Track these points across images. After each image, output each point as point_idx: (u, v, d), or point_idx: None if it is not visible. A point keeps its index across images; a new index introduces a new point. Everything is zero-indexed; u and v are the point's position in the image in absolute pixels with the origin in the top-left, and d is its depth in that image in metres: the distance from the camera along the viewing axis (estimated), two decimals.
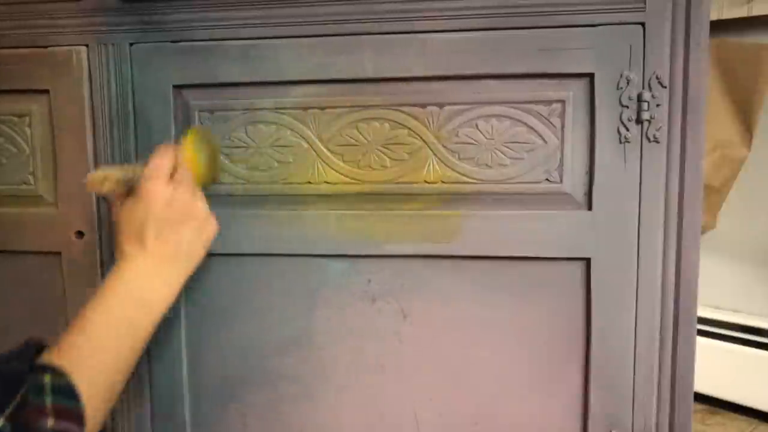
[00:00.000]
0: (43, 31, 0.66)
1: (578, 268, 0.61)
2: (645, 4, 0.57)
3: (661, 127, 0.58)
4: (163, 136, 0.65)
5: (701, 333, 1.43)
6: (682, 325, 0.60)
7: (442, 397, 0.65)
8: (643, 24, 0.57)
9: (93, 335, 0.53)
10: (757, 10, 1.32)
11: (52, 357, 0.50)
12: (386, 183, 0.63)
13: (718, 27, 1.34)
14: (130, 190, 0.59)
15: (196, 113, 0.65)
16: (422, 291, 0.64)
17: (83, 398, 0.48)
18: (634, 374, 0.61)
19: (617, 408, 0.61)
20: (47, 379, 0.47)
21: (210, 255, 0.66)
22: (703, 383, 1.42)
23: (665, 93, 0.58)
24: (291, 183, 0.65)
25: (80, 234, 0.67)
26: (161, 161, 0.58)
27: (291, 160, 0.64)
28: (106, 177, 0.59)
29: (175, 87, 0.65)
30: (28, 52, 0.67)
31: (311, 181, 0.64)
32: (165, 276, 0.57)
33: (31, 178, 0.69)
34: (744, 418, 1.42)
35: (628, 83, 0.58)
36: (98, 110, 0.66)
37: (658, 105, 0.58)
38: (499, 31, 0.60)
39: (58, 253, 0.68)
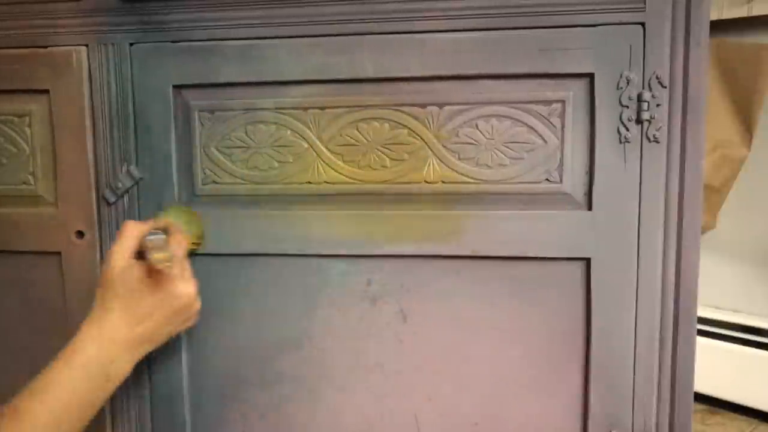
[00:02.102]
0: (43, 31, 0.66)
1: (578, 268, 0.61)
2: (645, 4, 0.57)
3: (661, 127, 0.58)
4: (163, 136, 0.65)
5: (701, 333, 1.43)
6: (682, 325, 0.60)
7: (442, 397, 0.65)
8: (643, 24, 0.57)
9: (47, 402, 0.52)
10: (757, 10, 1.32)
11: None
12: (386, 183, 0.63)
13: (718, 27, 1.34)
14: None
15: (196, 113, 0.65)
16: (422, 291, 0.64)
17: None
18: (634, 374, 0.61)
19: (617, 408, 0.61)
20: None
21: (210, 255, 0.66)
22: (703, 383, 1.42)
23: (665, 93, 0.58)
24: (291, 183, 0.65)
25: (80, 234, 0.67)
26: (183, 244, 0.60)
27: (291, 160, 0.64)
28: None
29: (175, 87, 0.65)
30: (28, 52, 0.67)
31: (311, 181, 0.64)
32: (134, 359, 0.58)
33: (31, 178, 0.69)
34: (744, 418, 1.42)
35: (628, 83, 0.58)
36: (98, 110, 0.66)
37: (658, 105, 0.58)
38: (499, 31, 0.60)
39: (58, 253, 0.68)
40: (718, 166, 1.37)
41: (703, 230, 1.41)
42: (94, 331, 0.55)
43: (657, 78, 0.58)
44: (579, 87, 0.60)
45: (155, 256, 0.56)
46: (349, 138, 0.63)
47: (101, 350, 0.55)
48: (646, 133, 0.58)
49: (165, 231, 0.61)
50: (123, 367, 0.57)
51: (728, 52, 1.34)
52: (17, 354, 0.71)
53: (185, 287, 0.58)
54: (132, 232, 0.58)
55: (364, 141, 0.63)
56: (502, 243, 0.62)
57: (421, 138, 0.62)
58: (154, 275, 0.57)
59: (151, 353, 0.67)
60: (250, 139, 0.65)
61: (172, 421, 0.68)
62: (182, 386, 0.68)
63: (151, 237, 0.58)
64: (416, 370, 0.65)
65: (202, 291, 0.67)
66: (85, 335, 0.55)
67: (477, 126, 0.61)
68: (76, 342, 0.55)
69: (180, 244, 0.60)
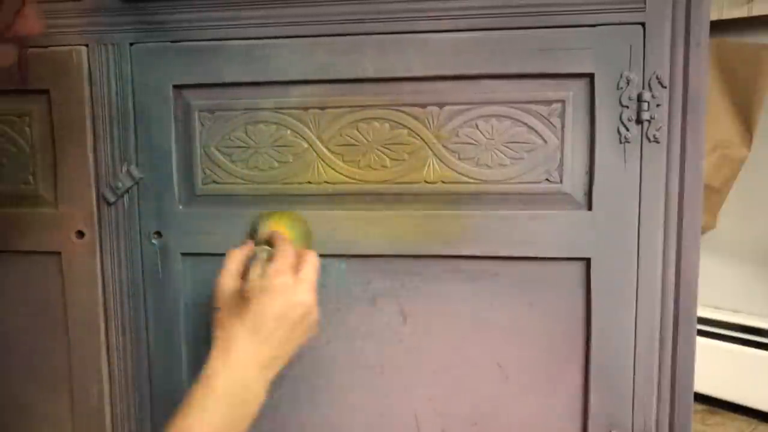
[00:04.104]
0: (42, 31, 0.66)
1: (578, 268, 0.61)
2: (645, 4, 0.57)
3: (661, 127, 0.58)
4: (163, 136, 0.65)
5: (701, 333, 1.44)
6: (682, 325, 0.60)
7: (442, 397, 0.65)
8: (643, 24, 0.57)
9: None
10: (757, 10, 1.33)
11: None
12: (386, 183, 0.63)
13: (718, 27, 1.34)
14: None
15: (197, 113, 0.65)
16: (422, 291, 0.64)
17: None
18: (634, 374, 0.61)
19: (617, 408, 0.61)
20: None
21: (210, 255, 0.66)
22: (703, 383, 1.42)
23: (665, 93, 0.58)
24: (291, 183, 0.65)
25: (80, 234, 0.67)
26: (289, 252, 0.57)
27: (291, 160, 0.64)
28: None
29: (175, 87, 0.65)
30: (28, 52, 0.67)
31: (311, 181, 0.64)
32: (267, 378, 0.55)
33: (31, 178, 0.69)
34: (744, 418, 1.42)
35: (628, 83, 0.58)
36: (98, 110, 0.66)
37: (658, 105, 0.58)
38: (499, 31, 0.60)
39: (58, 253, 0.68)
40: (718, 166, 1.37)
41: (703, 230, 1.41)
42: (221, 361, 0.54)
43: (657, 78, 0.58)
44: (579, 87, 0.60)
45: (252, 274, 0.56)
46: (349, 138, 0.63)
47: (234, 377, 0.53)
48: (646, 133, 0.58)
49: (269, 243, 0.59)
50: (257, 390, 0.54)
51: (728, 52, 1.34)
52: (17, 354, 0.71)
53: (302, 295, 0.55)
54: (234, 255, 0.58)
55: (364, 141, 0.63)
56: (502, 243, 0.62)
57: (421, 138, 0.62)
58: (267, 291, 0.55)
59: (150, 353, 0.67)
60: (251, 139, 0.65)
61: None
62: (182, 386, 0.67)
63: (257, 254, 0.57)
64: (416, 370, 0.65)
65: (202, 291, 0.67)
66: (214, 363, 0.54)
67: (477, 126, 0.61)
68: (208, 370, 0.53)
69: (285, 255, 0.56)
